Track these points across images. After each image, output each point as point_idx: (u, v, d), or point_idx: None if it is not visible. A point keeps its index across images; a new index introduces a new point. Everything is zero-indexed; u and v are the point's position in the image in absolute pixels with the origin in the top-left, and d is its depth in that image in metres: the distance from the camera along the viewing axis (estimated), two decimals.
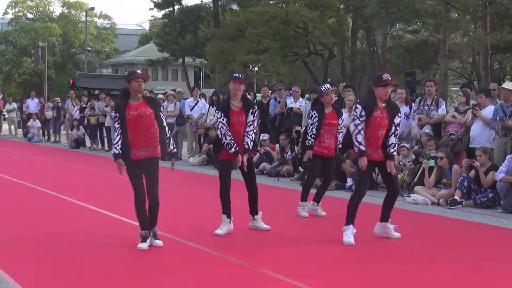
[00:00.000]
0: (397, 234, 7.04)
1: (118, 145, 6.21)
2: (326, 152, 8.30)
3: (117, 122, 6.27)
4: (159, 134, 6.28)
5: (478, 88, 24.65)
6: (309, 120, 8.44)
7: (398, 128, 6.88)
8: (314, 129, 8.21)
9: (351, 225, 6.78)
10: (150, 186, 6.29)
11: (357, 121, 6.68)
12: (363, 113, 6.66)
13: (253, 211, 7.43)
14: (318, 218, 8.34)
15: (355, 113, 6.73)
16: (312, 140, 8.22)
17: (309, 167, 9.03)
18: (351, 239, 6.69)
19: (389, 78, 6.77)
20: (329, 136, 8.25)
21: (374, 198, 10.06)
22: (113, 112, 6.41)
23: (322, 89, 8.41)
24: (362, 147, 6.65)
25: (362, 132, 6.66)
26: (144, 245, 6.27)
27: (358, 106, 6.76)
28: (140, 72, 6.44)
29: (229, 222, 7.17)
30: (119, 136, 6.25)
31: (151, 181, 6.30)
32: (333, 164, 8.66)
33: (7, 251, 6.25)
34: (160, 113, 6.39)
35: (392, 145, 6.79)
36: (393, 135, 6.79)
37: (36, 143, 22.96)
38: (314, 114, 8.26)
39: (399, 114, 6.89)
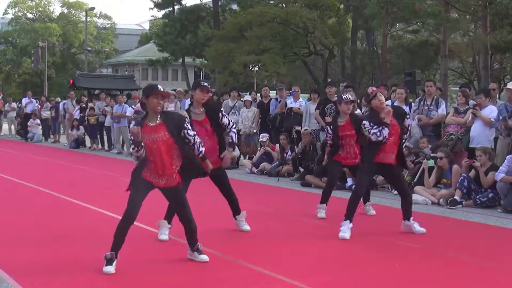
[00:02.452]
0: (422, 230, 7.31)
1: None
2: (347, 161, 8.30)
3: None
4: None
5: (478, 88, 24.64)
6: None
7: (409, 128, 7.40)
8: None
9: (348, 221, 7.08)
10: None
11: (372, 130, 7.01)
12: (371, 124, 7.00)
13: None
14: (318, 218, 8.34)
15: (367, 126, 7.03)
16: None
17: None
18: (346, 234, 6.95)
19: (374, 90, 7.37)
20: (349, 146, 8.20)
21: (373, 198, 10.06)
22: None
23: (343, 97, 8.24)
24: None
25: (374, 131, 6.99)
26: (111, 268, 5.50)
27: (365, 122, 7.07)
28: (161, 89, 5.59)
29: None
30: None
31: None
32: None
33: (7, 251, 6.25)
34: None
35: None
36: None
37: (36, 143, 22.97)
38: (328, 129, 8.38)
39: (407, 116, 7.35)
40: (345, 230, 6.99)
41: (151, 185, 5.67)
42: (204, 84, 7.05)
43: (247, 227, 7.34)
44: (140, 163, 5.64)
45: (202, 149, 5.85)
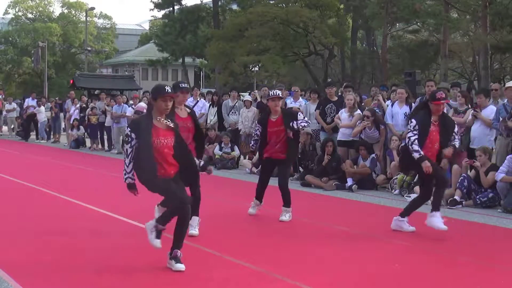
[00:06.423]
0: (412, 228, 7.40)
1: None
2: (277, 154, 8.10)
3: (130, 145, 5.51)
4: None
5: (478, 88, 24.63)
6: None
7: (456, 134, 7.46)
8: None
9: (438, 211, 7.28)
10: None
11: (410, 134, 7.16)
12: (417, 127, 7.15)
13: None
14: (318, 218, 8.34)
15: (409, 127, 7.25)
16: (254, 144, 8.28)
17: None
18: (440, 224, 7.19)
19: (443, 96, 7.24)
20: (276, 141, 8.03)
21: (373, 198, 10.07)
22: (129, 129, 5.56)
23: (270, 93, 8.12)
24: (418, 154, 7.08)
25: (416, 142, 7.10)
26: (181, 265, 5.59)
27: (412, 120, 7.25)
28: (168, 91, 5.59)
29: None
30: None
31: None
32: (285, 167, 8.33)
33: (7, 251, 6.25)
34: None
35: (457, 141, 7.45)
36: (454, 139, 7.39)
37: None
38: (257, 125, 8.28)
39: (455, 131, 7.42)
40: (438, 221, 7.18)
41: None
42: (184, 85, 7.04)
43: (194, 232, 6.97)
44: (146, 173, 5.54)
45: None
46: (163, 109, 5.53)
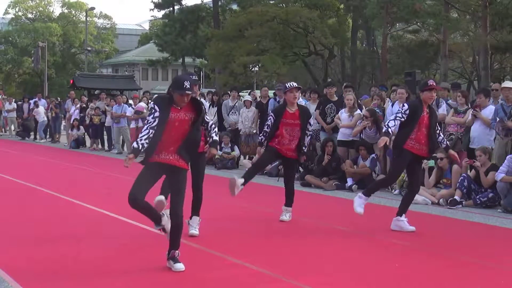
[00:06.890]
0: (412, 228, 7.40)
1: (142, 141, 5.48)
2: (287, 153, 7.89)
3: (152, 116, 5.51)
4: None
5: (478, 88, 24.63)
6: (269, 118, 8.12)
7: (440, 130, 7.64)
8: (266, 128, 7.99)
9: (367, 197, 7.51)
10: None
11: (399, 115, 7.25)
12: (407, 111, 7.20)
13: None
14: (318, 218, 8.33)
15: (400, 109, 7.36)
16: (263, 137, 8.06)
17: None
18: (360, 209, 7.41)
19: (434, 83, 7.33)
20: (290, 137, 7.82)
21: (373, 198, 10.05)
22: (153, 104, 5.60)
23: (287, 86, 7.88)
24: (389, 130, 7.21)
25: (396, 122, 7.23)
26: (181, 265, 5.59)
27: (405, 104, 7.42)
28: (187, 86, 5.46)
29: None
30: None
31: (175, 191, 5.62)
32: (293, 167, 8.23)
33: (7, 251, 6.25)
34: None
35: (443, 139, 7.72)
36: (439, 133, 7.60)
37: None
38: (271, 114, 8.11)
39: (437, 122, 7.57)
40: (360, 204, 7.39)
41: (159, 167, 5.55)
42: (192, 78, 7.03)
43: (194, 232, 6.96)
44: (147, 152, 5.51)
45: (216, 136, 6.12)
46: (180, 102, 5.55)
